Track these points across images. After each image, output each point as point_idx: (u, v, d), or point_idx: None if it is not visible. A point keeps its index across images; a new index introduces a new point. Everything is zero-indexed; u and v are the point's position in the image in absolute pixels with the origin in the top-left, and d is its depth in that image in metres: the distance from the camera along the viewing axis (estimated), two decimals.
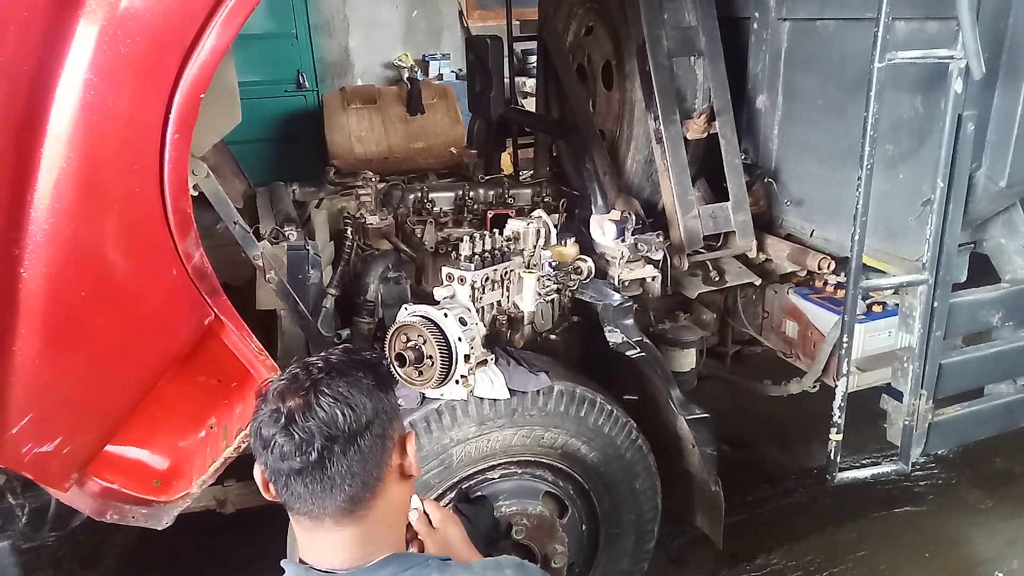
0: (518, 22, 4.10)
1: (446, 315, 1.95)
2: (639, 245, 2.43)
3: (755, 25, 2.61)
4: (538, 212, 2.37)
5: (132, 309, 1.60)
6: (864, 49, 1.87)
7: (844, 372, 2.13)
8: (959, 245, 2.13)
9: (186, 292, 1.63)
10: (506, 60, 3.75)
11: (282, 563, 1.18)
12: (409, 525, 1.40)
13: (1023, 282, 2.28)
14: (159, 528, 1.87)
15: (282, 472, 1.10)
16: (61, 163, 1.40)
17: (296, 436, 1.07)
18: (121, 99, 1.42)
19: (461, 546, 1.46)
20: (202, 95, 1.48)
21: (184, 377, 1.79)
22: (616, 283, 2.43)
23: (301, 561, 1.17)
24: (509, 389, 2.06)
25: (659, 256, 2.46)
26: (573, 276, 2.37)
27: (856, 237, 1.98)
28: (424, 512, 1.48)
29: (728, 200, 2.58)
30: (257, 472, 1.16)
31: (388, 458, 1.17)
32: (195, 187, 1.81)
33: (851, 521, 3.15)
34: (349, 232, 2.59)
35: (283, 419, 1.08)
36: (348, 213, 2.79)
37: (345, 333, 2.42)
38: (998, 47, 1.91)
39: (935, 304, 2.11)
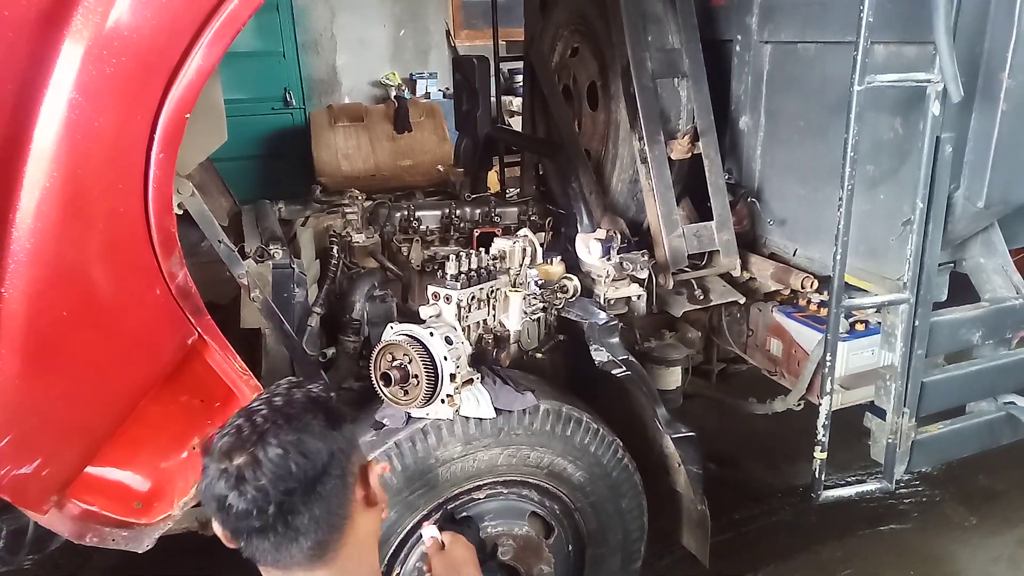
0: (505, 42, 4.14)
1: (432, 334, 1.95)
2: (624, 264, 2.44)
3: (738, 48, 2.65)
4: (524, 231, 2.38)
5: (114, 329, 1.58)
6: (844, 72, 1.91)
7: (828, 390, 2.14)
8: (939, 265, 2.16)
9: (169, 312, 1.62)
10: (493, 79, 3.78)
11: None
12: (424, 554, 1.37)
13: (1002, 301, 2.31)
14: (139, 551, 1.84)
15: (242, 531, 1.05)
16: (44, 182, 1.39)
17: (249, 495, 1.02)
18: (106, 118, 1.41)
19: (468, 568, 1.45)
20: (188, 115, 1.48)
21: (167, 397, 1.78)
22: (602, 301, 2.44)
23: None
24: (495, 408, 2.06)
25: (644, 275, 2.48)
26: (559, 295, 2.38)
27: (838, 257, 2.01)
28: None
29: (712, 219, 2.60)
30: (217, 528, 1.10)
31: (352, 495, 1.13)
32: (180, 205, 1.81)
33: (836, 539, 3.15)
34: (335, 250, 2.59)
35: (233, 479, 1.02)
36: (334, 231, 2.79)
37: (330, 352, 2.41)
38: (974, 71, 1.94)
39: (916, 323, 2.14)
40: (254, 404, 1.10)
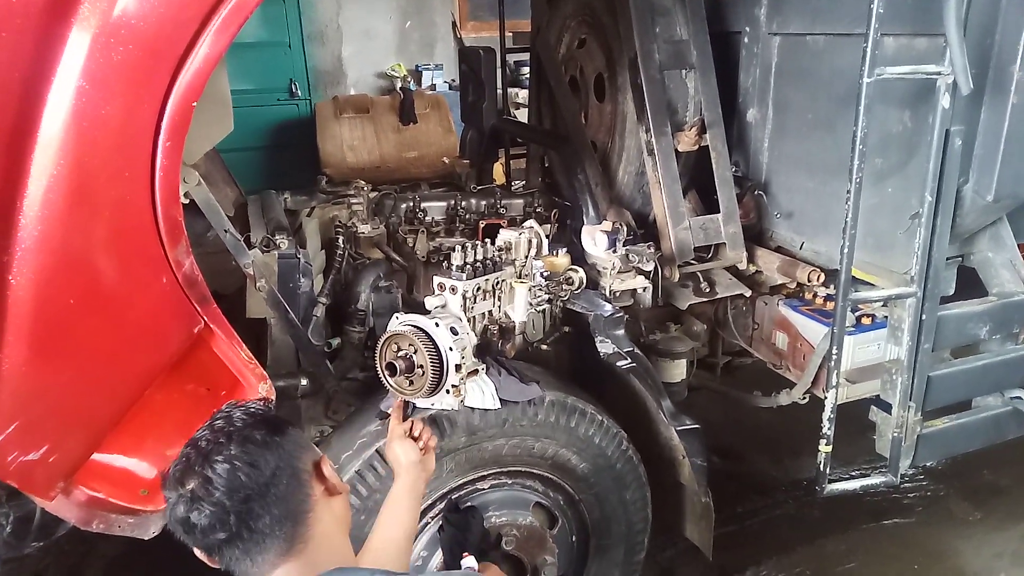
0: (511, 33, 4.12)
1: (437, 324, 1.95)
2: (630, 256, 2.44)
3: (746, 39, 2.64)
4: (530, 222, 2.38)
5: (121, 317, 1.58)
6: (853, 64, 1.90)
7: (834, 383, 2.14)
8: (947, 258, 2.15)
9: (176, 300, 1.62)
10: (499, 71, 3.77)
11: None
12: None
13: (1010, 295, 2.30)
14: (145, 538, 1.85)
15: (212, 546, 1.12)
16: (52, 170, 1.39)
17: (207, 511, 1.09)
18: (113, 106, 1.41)
19: None
20: (195, 103, 1.48)
21: (173, 385, 1.78)
22: (607, 294, 2.44)
23: None
24: (500, 399, 2.06)
25: (650, 267, 2.47)
26: (564, 286, 2.38)
27: (845, 250, 2.00)
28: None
29: (719, 212, 2.59)
30: (196, 551, 1.18)
31: (309, 490, 1.19)
32: (186, 195, 1.81)
33: (840, 533, 3.15)
34: (340, 241, 2.59)
35: (189, 501, 1.10)
36: (340, 222, 2.79)
37: (335, 342, 2.41)
38: (985, 63, 1.93)
39: (923, 317, 2.13)
40: (198, 433, 1.18)
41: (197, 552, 1.17)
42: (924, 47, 2.03)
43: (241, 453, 1.12)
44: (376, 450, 2.00)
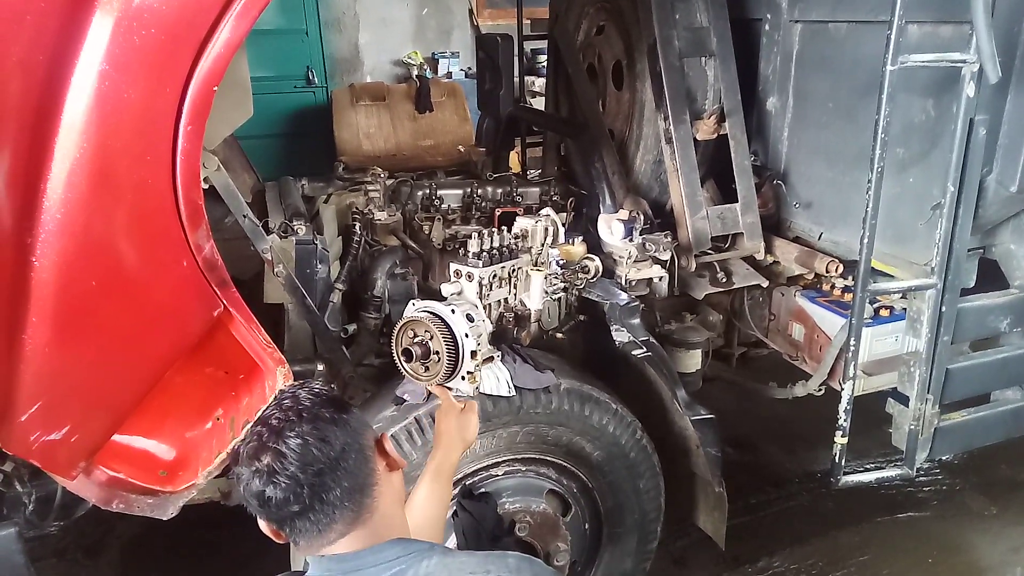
0: (528, 21, 4.10)
1: (453, 311, 1.96)
2: (647, 245, 2.43)
3: (767, 27, 2.61)
4: (547, 210, 2.37)
5: (142, 299, 1.60)
6: (876, 52, 1.87)
7: (851, 375, 2.13)
8: (968, 250, 2.12)
9: (196, 283, 1.64)
10: (516, 58, 3.75)
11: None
12: None
13: None
14: (164, 518, 1.87)
15: (285, 518, 1.16)
16: (75, 153, 1.40)
17: (283, 484, 1.13)
18: (135, 90, 1.42)
19: None
20: (216, 87, 1.49)
21: (192, 368, 1.79)
22: (623, 283, 2.43)
23: None
24: (515, 386, 2.07)
25: (667, 256, 2.46)
26: (580, 275, 2.38)
27: (865, 240, 1.98)
28: None
29: (737, 201, 2.58)
30: (263, 525, 1.22)
31: (373, 465, 1.24)
32: (205, 180, 1.82)
33: (854, 525, 3.14)
34: (357, 228, 2.60)
35: (265, 475, 1.14)
36: (356, 209, 2.80)
37: (351, 328, 2.42)
38: (1011, 51, 1.90)
39: (943, 309, 2.11)
40: (266, 412, 1.22)
41: (263, 526, 1.21)
42: (949, 35, 2.00)
43: (312, 430, 1.16)
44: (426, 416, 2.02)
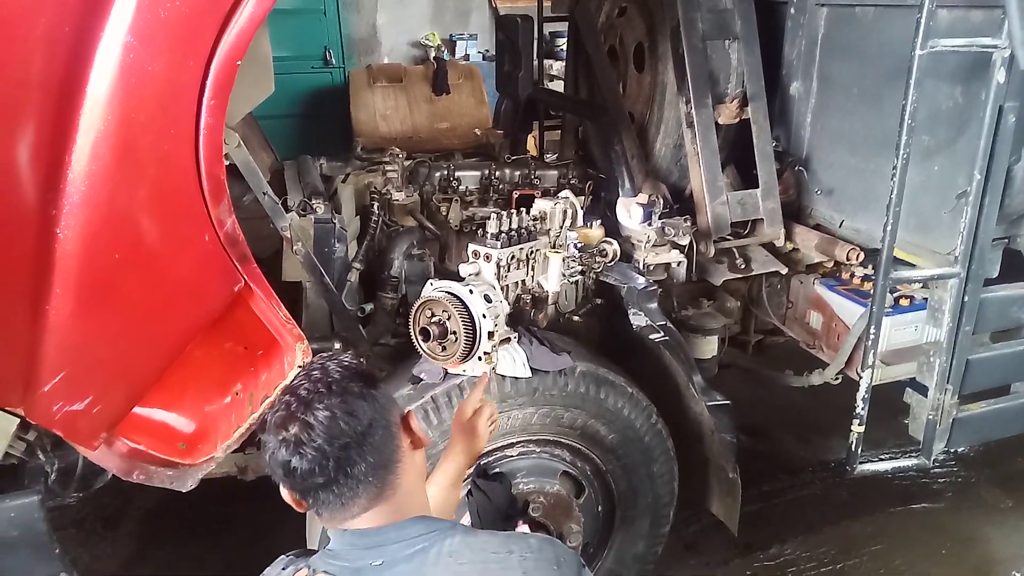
0: (547, 2, 4.06)
1: (471, 291, 1.96)
2: (666, 229, 2.42)
3: (792, 10, 2.57)
4: (565, 192, 2.36)
5: (164, 273, 1.61)
6: (904, 37, 1.84)
7: (870, 363, 2.11)
8: (993, 239, 2.10)
9: (217, 258, 1.64)
10: (535, 41, 3.72)
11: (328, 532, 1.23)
12: None
13: None
14: (183, 490, 1.89)
15: (309, 489, 1.16)
16: (99, 125, 1.40)
17: (309, 455, 1.12)
18: (159, 63, 1.42)
19: None
20: (239, 62, 1.49)
21: (212, 343, 1.81)
22: (641, 267, 2.42)
23: None
24: (531, 368, 2.07)
25: (685, 241, 2.45)
26: (598, 258, 2.37)
27: (888, 228, 1.96)
28: None
29: (757, 187, 2.55)
30: (286, 494, 1.21)
31: (398, 442, 1.23)
32: (226, 156, 1.82)
33: (868, 515, 3.13)
34: (375, 207, 2.60)
35: (292, 445, 1.13)
36: (375, 189, 2.80)
37: (368, 307, 2.43)
38: None
39: (966, 298, 2.09)
40: (295, 381, 1.22)
41: (286, 495, 1.21)
42: (979, 19, 1.96)
43: (340, 403, 1.15)
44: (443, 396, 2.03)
